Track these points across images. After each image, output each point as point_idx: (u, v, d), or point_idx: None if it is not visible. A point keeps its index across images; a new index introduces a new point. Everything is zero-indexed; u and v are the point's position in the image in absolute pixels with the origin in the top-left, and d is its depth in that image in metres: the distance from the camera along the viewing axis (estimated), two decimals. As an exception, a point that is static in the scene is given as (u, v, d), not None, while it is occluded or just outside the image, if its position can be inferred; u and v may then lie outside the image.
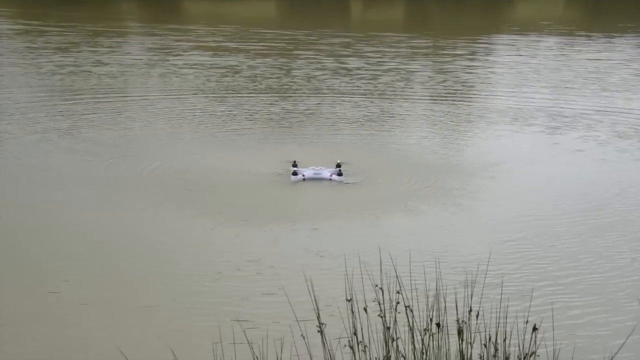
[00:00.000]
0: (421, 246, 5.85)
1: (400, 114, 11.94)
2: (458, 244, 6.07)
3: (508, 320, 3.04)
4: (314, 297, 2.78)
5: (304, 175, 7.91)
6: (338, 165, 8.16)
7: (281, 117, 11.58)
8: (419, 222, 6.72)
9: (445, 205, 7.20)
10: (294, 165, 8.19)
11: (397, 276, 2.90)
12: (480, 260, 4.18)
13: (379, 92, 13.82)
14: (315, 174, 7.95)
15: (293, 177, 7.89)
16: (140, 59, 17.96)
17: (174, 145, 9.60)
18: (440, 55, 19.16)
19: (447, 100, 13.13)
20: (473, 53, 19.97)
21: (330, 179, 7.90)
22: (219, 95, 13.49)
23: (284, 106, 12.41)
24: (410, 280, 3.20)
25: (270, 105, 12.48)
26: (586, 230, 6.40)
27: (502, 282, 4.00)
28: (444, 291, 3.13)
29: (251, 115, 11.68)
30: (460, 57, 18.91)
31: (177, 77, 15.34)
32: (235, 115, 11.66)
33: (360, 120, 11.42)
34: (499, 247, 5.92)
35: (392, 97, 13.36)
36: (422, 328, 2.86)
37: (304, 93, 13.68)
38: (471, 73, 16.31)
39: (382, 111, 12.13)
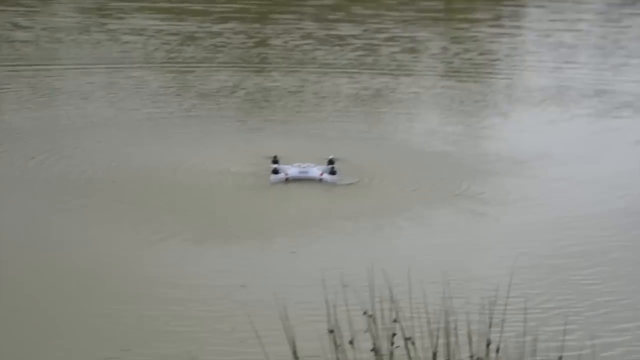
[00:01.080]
0: (428, 264, 5.93)
1: (407, 95, 12.04)
2: (474, 261, 6.15)
3: (537, 357, 3.11)
4: (289, 327, 2.83)
5: (287, 175, 7.98)
6: (330, 162, 8.22)
7: (254, 98, 11.63)
8: (427, 233, 6.81)
9: (462, 212, 7.28)
10: (275, 161, 8.24)
11: (392, 301, 2.96)
12: (502, 281, 4.27)
13: (379, 66, 13.89)
14: (301, 172, 8.02)
15: (273, 177, 7.95)
16: (70, 22, 17.91)
17: (111, 135, 9.58)
18: (456, 20, 19.33)
19: (465, 76, 13.23)
20: (497, 17, 20.15)
21: (320, 180, 7.99)
22: (173, 69, 13.50)
23: (258, 84, 12.46)
24: (411, 306, 3.27)
25: (239, 82, 12.53)
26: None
27: (525, 308, 4.09)
28: (455, 319, 3.20)
29: (215, 95, 11.71)
30: (481, 22, 19.08)
31: (117, 45, 15.33)
32: (194, 96, 11.70)
33: (356, 102, 11.50)
34: (527, 265, 6.01)
35: (396, 73, 13.43)
36: (426, 366, 2.92)
37: (284, 67, 13.75)
38: (495, 42, 16.46)
39: (384, 91, 12.21)
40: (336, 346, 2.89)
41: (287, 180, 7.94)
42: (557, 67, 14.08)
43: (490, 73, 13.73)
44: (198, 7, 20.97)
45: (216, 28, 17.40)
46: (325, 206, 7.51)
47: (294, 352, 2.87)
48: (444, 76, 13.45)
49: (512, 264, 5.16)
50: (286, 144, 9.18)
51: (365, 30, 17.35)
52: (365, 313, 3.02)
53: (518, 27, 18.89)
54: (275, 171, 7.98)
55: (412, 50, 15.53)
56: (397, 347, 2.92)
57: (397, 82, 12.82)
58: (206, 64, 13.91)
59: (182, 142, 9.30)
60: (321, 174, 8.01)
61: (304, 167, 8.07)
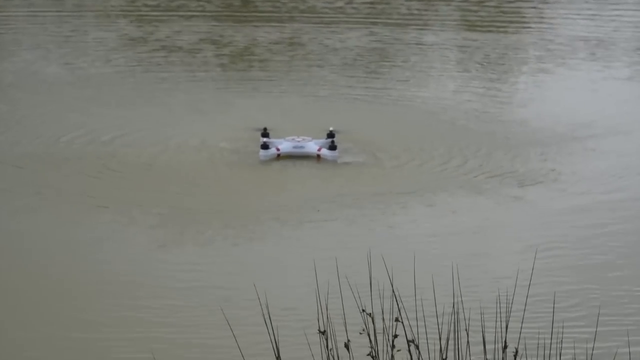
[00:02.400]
0: (439, 255, 6.09)
1: (424, 50, 12.07)
2: (496, 253, 6.26)
3: (562, 363, 3.24)
4: (272, 328, 2.97)
5: (278, 150, 8.13)
6: (330, 135, 8.35)
7: (242, 54, 11.65)
8: (442, 220, 6.93)
9: (489, 195, 7.38)
10: (264, 134, 8.37)
11: (395, 296, 3.10)
12: (523, 274, 4.42)
13: (387, 16, 13.91)
14: (295, 147, 8.17)
15: (262, 153, 8.10)
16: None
17: (55, 98, 9.59)
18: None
19: (492, 27, 13.23)
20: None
21: (317, 156, 8.14)
22: (135, 18, 13.49)
23: (242, 37, 12.47)
24: (416, 302, 3.40)
25: (219, 35, 12.52)
26: None
27: (554, 304, 4.20)
28: (466, 319, 3.34)
29: (188, 50, 11.73)
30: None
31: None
32: (161, 52, 11.73)
33: (363, 60, 11.53)
34: (555, 259, 6.13)
35: (409, 23, 13.47)
36: (432, 374, 3.04)
37: (274, 17, 13.75)
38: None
39: (395, 45, 12.25)
40: (328, 350, 3.04)
41: (279, 156, 8.10)
42: (599, 14, 14.03)
43: (522, 23, 13.72)
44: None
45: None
46: (323, 188, 7.62)
47: (277, 358, 3.02)
48: (467, 28, 13.45)
49: (538, 257, 5.31)
50: (277, 111, 9.27)
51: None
52: (363, 311, 3.13)
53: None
54: (265, 146, 8.12)
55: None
56: (398, 350, 3.06)
57: (411, 34, 12.81)
58: (178, 12, 13.86)
59: (145, 109, 9.32)
60: (319, 150, 8.15)
61: (298, 141, 8.21)
